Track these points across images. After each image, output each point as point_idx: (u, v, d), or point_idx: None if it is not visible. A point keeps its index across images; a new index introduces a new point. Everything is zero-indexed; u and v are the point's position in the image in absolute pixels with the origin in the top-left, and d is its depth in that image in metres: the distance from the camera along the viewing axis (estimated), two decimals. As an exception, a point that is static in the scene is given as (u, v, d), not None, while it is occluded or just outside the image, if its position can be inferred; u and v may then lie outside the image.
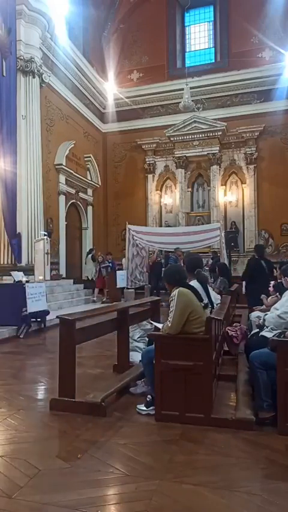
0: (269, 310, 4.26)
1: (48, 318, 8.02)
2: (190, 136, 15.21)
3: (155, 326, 3.90)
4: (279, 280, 5.34)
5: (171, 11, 16.47)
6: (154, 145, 16.18)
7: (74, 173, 13.87)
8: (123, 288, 12.60)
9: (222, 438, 2.89)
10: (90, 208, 15.65)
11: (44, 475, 2.41)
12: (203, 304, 3.44)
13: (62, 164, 12.97)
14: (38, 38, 11.27)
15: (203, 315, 3.31)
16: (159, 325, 3.59)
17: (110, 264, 13.26)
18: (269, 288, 5.85)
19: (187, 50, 16.94)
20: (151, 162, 16.31)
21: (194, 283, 3.77)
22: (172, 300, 3.27)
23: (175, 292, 3.30)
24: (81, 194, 14.78)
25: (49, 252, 10.39)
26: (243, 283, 7.78)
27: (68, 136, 13.66)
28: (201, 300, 3.45)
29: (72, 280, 12.90)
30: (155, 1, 16.24)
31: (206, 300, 3.74)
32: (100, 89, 16.04)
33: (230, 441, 2.86)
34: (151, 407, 3.33)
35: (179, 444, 2.82)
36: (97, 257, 13.62)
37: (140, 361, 4.01)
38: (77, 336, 3.58)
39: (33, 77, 11.06)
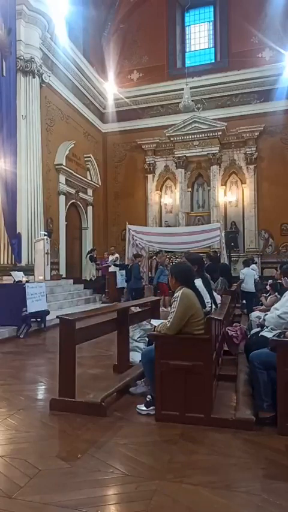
0: (268, 310, 4.27)
1: (48, 318, 8.01)
2: (190, 137, 15.22)
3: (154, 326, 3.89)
4: (278, 280, 5.35)
5: (171, 11, 16.47)
6: (154, 145, 16.18)
7: (74, 173, 13.87)
8: (123, 288, 12.59)
9: (222, 438, 2.89)
10: (90, 208, 15.65)
11: (44, 475, 2.41)
12: (205, 310, 3.42)
13: (62, 164, 12.98)
14: (38, 38, 11.28)
15: (204, 317, 3.31)
16: (158, 322, 3.58)
17: (110, 264, 13.24)
18: (267, 287, 5.88)
19: (187, 50, 16.95)
20: (151, 162, 16.31)
21: (197, 281, 3.76)
22: (175, 301, 3.26)
23: (178, 293, 3.29)
24: (81, 194, 14.78)
25: (49, 252, 10.39)
26: None
27: (68, 136, 13.66)
28: (204, 305, 3.44)
29: (72, 280, 12.90)
30: (155, 1, 16.24)
31: (208, 304, 3.73)
32: (100, 89, 16.05)
33: (230, 441, 2.85)
34: (151, 407, 3.33)
35: (179, 444, 2.82)
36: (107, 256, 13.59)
37: (140, 361, 4.01)
38: (77, 336, 3.57)
39: (33, 77, 11.07)
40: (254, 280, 10.09)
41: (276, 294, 5.42)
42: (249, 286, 9.85)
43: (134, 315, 5.13)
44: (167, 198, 16.35)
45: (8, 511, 2.05)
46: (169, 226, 15.53)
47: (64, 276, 12.89)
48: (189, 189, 16.03)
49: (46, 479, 2.36)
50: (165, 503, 2.12)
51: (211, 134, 15.07)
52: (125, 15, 16.46)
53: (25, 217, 10.59)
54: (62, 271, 12.98)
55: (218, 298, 4.82)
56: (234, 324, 4.93)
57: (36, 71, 11.11)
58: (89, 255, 14.39)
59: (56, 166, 12.93)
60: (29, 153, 10.80)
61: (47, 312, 8.03)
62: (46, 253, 10.13)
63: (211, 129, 15.01)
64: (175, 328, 3.20)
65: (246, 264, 10.53)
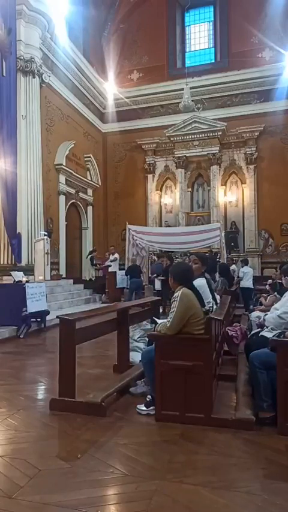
0: (268, 310, 4.27)
1: (48, 318, 8.01)
2: (190, 136, 15.21)
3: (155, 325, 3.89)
4: (278, 281, 5.36)
5: (171, 11, 16.47)
6: (154, 145, 16.18)
7: (74, 173, 13.87)
8: (123, 288, 12.59)
9: (222, 438, 2.89)
10: (90, 208, 15.65)
11: (44, 475, 2.41)
12: (204, 310, 3.43)
13: (62, 164, 12.97)
14: (38, 38, 11.28)
15: (204, 317, 3.30)
16: (159, 321, 3.58)
17: (110, 264, 13.24)
18: (266, 287, 5.90)
19: (187, 50, 16.94)
20: (151, 162, 16.31)
21: (200, 280, 3.76)
22: (175, 301, 3.26)
23: (178, 293, 3.29)
24: (81, 194, 14.78)
25: (49, 252, 10.38)
26: None
27: (68, 136, 13.66)
28: (203, 305, 3.45)
29: (72, 280, 12.89)
30: (155, 1, 16.23)
31: (210, 304, 3.73)
32: (100, 89, 16.05)
33: (230, 441, 2.85)
34: (151, 407, 3.33)
35: (179, 444, 2.82)
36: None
37: (140, 361, 4.01)
38: (77, 336, 3.57)
39: (33, 77, 11.07)
40: (253, 279, 10.98)
41: (276, 293, 5.43)
42: (247, 283, 10.65)
43: (134, 315, 5.13)
44: (167, 198, 16.34)
45: (8, 511, 2.05)
46: (169, 226, 15.51)
47: (64, 276, 12.89)
48: (189, 189, 16.02)
49: (46, 479, 2.37)
50: (165, 503, 2.12)
51: (211, 134, 15.06)
52: (125, 15, 16.45)
53: (25, 217, 10.59)
54: (62, 271, 12.98)
55: (217, 298, 4.82)
56: (234, 324, 4.94)
57: (36, 71, 11.11)
58: (89, 256, 14.38)
59: (56, 166, 12.93)
60: (29, 153, 10.80)
61: (47, 312, 8.03)
62: (46, 253, 10.13)
63: (211, 129, 15.00)
64: (175, 328, 3.20)
65: (245, 262, 11.26)
